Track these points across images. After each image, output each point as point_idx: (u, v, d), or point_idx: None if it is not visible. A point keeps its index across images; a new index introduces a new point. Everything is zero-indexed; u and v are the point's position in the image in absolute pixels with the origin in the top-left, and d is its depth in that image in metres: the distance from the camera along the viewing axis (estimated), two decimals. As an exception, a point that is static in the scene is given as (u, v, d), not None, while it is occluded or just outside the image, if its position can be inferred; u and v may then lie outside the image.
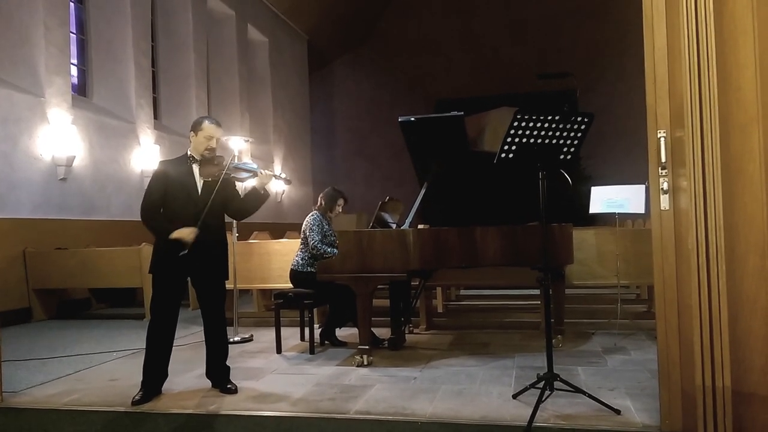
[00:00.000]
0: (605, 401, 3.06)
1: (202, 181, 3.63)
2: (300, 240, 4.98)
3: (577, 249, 4.96)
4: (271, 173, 3.80)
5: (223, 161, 3.67)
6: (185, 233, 3.47)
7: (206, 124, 3.64)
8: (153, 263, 3.61)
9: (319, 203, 5.03)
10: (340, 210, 5.09)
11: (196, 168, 3.63)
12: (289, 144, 15.44)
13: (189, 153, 3.67)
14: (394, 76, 18.76)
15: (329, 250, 4.75)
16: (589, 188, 5.13)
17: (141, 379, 3.59)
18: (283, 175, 4.00)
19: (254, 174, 3.74)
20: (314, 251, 4.80)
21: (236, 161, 3.76)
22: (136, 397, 3.48)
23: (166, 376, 3.67)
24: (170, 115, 11.31)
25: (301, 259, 4.91)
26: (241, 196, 3.83)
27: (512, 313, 6.16)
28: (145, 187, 3.73)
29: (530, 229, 4.29)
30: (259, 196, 3.75)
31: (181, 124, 11.28)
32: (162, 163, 3.75)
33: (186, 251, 3.46)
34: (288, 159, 15.27)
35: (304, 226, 4.90)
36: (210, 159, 3.64)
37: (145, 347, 3.63)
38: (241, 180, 3.81)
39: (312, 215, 4.92)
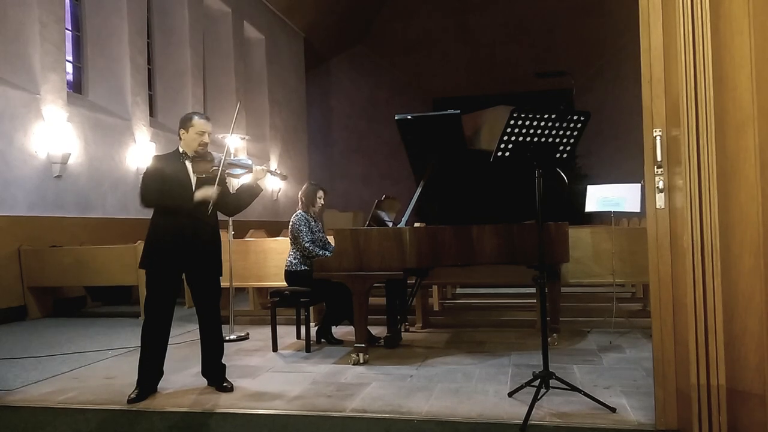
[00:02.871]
0: (601, 399, 3.07)
1: (195, 178, 3.62)
2: (290, 240, 4.98)
3: (573, 247, 4.97)
4: (266, 168, 3.80)
5: (215, 158, 3.67)
6: (208, 192, 3.50)
7: (196, 119, 3.62)
8: (145, 257, 3.58)
9: (300, 202, 5.02)
10: (322, 202, 5.08)
11: (189, 165, 3.61)
12: (285, 142, 15.42)
13: (181, 150, 3.65)
14: (391, 74, 18.76)
15: (320, 252, 4.75)
16: (585, 187, 5.15)
17: (136, 377, 3.58)
18: (279, 171, 4.01)
19: (249, 170, 3.74)
20: (305, 252, 4.80)
21: (230, 157, 3.75)
22: (132, 396, 3.47)
23: (161, 374, 3.66)
24: (166, 112, 11.28)
25: (294, 259, 4.90)
26: (233, 192, 3.83)
27: (508, 312, 6.16)
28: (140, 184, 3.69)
29: (526, 228, 4.30)
30: (252, 191, 3.75)
31: (177, 122, 11.16)
32: (156, 158, 3.72)
33: (210, 208, 3.52)
34: (285, 157, 15.26)
35: (291, 226, 4.90)
36: (203, 155, 3.63)
37: (140, 345, 3.62)
38: (235, 176, 3.80)
39: (297, 215, 4.91)
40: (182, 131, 3.63)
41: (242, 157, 3.98)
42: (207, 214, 3.56)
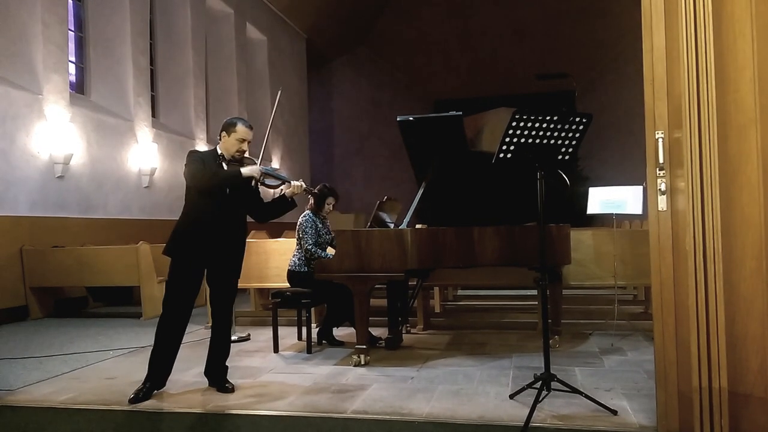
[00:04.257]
0: (602, 402, 3.07)
1: None
2: (296, 240, 4.98)
3: (575, 249, 4.97)
4: (303, 185, 3.79)
5: (252, 164, 3.69)
6: (255, 170, 3.56)
7: (239, 126, 3.63)
8: (171, 245, 3.57)
9: (310, 202, 5.02)
10: (331, 208, 5.07)
11: (225, 168, 3.63)
12: (287, 143, 15.43)
13: (219, 152, 3.67)
14: (393, 76, 18.77)
15: (323, 254, 4.74)
16: (587, 189, 5.14)
17: (139, 376, 3.57)
18: (313, 189, 4.06)
19: (283, 182, 3.77)
20: (308, 254, 4.79)
21: (266, 167, 3.77)
22: (133, 395, 3.45)
23: (170, 371, 3.65)
24: (168, 113, 11.30)
25: (298, 260, 4.90)
26: (265, 201, 3.89)
27: (509, 314, 6.16)
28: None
29: (528, 230, 4.30)
30: (285, 205, 3.81)
31: (179, 123, 11.28)
32: (195, 152, 3.70)
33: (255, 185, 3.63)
34: (286, 158, 15.26)
35: (298, 226, 4.90)
36: (239, 161, 3.66)
37: (153, 341, 3.58)
38: (269, 187, 3.82)
39: (304, 216, 4.91)
40: (224, 134, 3.65)
41: (278, 168, 4.02)
42: (237, 220, 3.61)
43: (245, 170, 3.55)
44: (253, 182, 3.60)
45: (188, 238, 3.55)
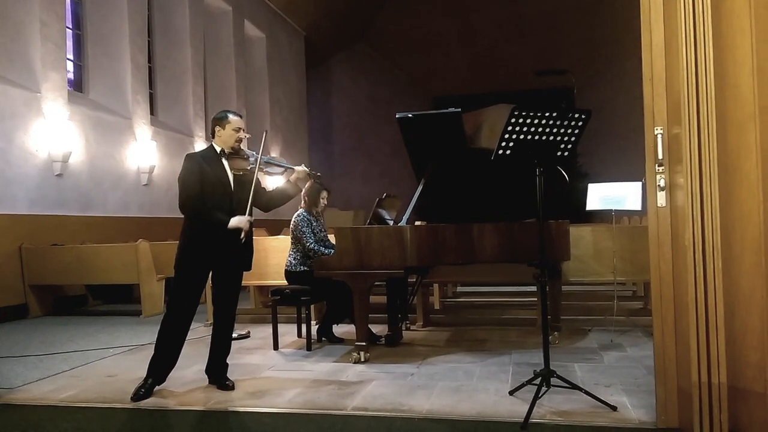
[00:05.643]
0: (601, 398, 3.07)
1: (232, 175, 3.65)
2: (291, 240, 4.95)
3: (574, 246, 4.97)
4: (305, 170, 3.82)
5: (251, 156, 3.70)
6: (243, 222, 3.54)
7: (232, 117, 3.66)
8: (181, 262, 3.55)
9: (303, 200, 4.97)
10: (325, 203, 5.03)
11: (226, 162, 3.64)
12: (286, 140, 15.42)
13: (218, 148, 3.65)
14: (392, 72, 18.75)
15: (325, 251, 4.73)
16: (586, 185, 5.14)
17: (139, 374, 3.57)
18: (316, 173, 4.07)
19: (284, 170, 3.79)
20: (310, 253, 4.78)
21: (266, 156, 3.78)
22: (137, 392, 3.45)
23: (173, 367, 3.65)
24: (167, 110, 11.28)
25: (294, 259, 4.87)
26: (268, 190, 3.90)
27: (509, 310, 6.16)
28: (173, 181, 3.67)
29: (527, 226, 4.30)
30: (287, 193, 3.84)
31: (178, 120, 11.27)
32: (191, 157, 3.63)
33: (243, 238, 3.56)
34: (285, 155, 15.24)
35: (292, 225, 4.87)
36: (237, 152, 3.66)
37: (156, 340, 3.58)
38: (271, 175, 3.86)
39: (298, 215, 4.87)
40: (218, 129, 3.65)
41: (278, 157, 4.06)
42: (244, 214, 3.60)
43: (234, 222, 3.53)
44: (242, 234, 3.55)
45: (197, 252, 3.54)
